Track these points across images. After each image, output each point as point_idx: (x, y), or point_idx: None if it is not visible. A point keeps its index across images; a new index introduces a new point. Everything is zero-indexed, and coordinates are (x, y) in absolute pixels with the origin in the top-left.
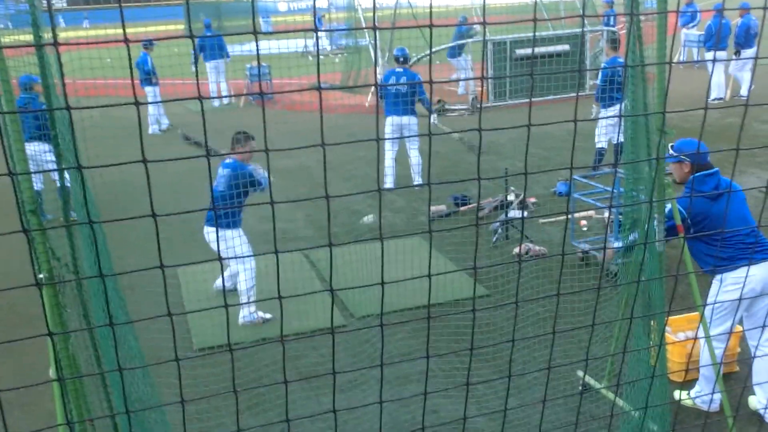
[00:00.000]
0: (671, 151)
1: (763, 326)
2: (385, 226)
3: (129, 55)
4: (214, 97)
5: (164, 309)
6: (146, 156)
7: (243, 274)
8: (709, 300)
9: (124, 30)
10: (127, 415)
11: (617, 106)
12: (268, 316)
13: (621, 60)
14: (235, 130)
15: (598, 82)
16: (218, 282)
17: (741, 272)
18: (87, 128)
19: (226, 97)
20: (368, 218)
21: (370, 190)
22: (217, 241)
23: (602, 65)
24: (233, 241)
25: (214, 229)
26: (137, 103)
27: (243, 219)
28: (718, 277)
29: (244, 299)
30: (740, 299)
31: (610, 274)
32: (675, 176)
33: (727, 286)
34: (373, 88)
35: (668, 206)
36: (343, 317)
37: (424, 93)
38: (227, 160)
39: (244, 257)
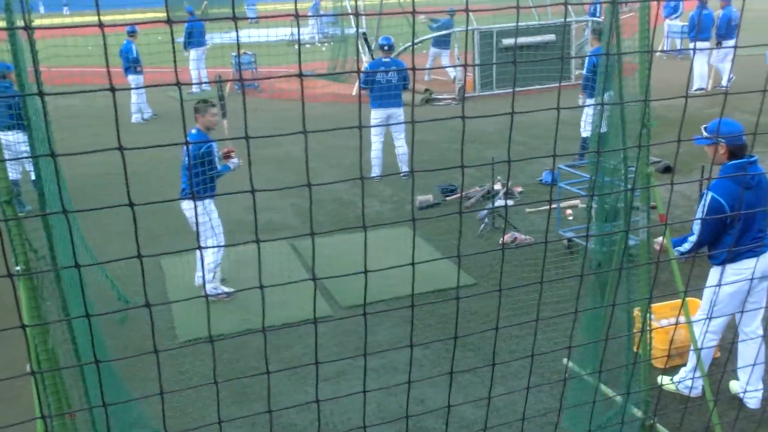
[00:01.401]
0: (704, 133)
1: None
2: (373, 215)
3: (104, 40)
4: (194, 83)
5: (149, 300)
6: (128, 145)
7: (212, 250)
8: (709, 289)
9: (98, 15)
10: (104, 409)
11: (602, 96)
12: (229, 290)
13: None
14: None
15: (584, 71)
16: (198, 276)
17: (744, 264)
18: (67, 117)
19: (206, 83)
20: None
21: (354, 177)
22: (196, 219)
23: (588, 55)
24: (204, 214)
25: (188, 203)
26: (113, 89)
27: (218, 201)
28: (718, 267)
29: (208, 275)
30: (750, 286)
31: (593, 263)
32: (710, 157)
33: (729, 277)
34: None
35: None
36: (330, 307)
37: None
38: (192, 131)
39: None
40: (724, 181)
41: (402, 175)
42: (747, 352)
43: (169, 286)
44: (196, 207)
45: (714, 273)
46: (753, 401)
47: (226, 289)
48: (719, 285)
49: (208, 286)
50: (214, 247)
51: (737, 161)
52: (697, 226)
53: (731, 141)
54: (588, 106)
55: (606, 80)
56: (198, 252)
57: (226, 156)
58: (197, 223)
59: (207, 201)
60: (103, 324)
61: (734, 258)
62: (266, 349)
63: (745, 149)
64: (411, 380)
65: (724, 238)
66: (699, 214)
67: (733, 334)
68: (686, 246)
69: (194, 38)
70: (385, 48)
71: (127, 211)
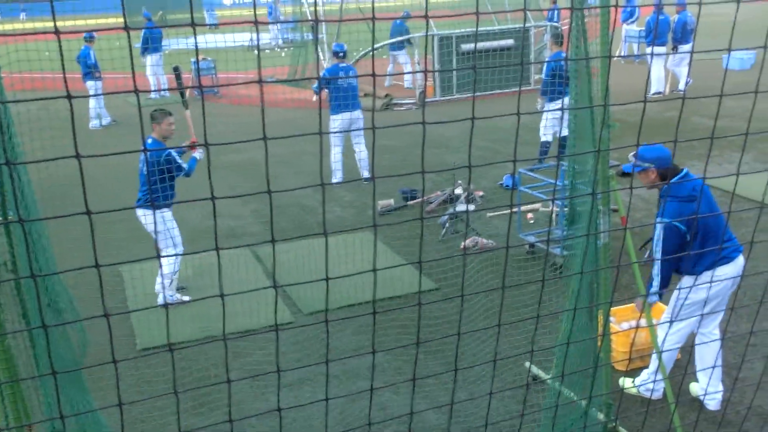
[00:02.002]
0: (635, 160)
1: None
2: (335, 220)
3: (60, 46)
4: (153, 90)
5: (108, 309)
6: (87, 151)
7: (170, 259)
8: (681, 293)
9: (54, 21)
10: (61, 420)
11: (561, 100)
12: (186, 298)
13: (564, 54)
14: (153, 114)
15: (543, 76)
16: (158, 286)
17: (720, 270)
18: (23, 122)
19: (165, 90)
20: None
21: (315, 184)
22: (155, 227)
23: (546, 60)
24: (161, 223)
25: (143, 211)
26: (69, 97)
27: (175, 205)
28: (691, 276)
29: (166, 282)
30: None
31: (555, 266)
32: (643, 183)
33: (702, 283)
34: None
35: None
36: (292, 314)
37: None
38: (148, 140)
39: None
40: (669, 206)
41: (363, 180)
42: (706, 354)
43: (129, 294)
44: (155, 216)
45: (688, 280)
46: (713, 403)
47: (184, 298)
48: (688, 290)
49: (166, 293)
50: (172, 255)
51: (675, 181)
52: (657, 254)
53: (660, 165)
54: (547, 111)
55: (567, 84)
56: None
57: (191, 147)
58: (155, 232)
59: (165, 210)
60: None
61: (710, 266)
62: (227, 356)
63: (675, 170)
64: (373, 387)
65: (695, 253)
66: (656, 246)
67: (692, 336)
68: (655, 283)
69: (151, 44)
70: (340, 55)
71: (86, 218)
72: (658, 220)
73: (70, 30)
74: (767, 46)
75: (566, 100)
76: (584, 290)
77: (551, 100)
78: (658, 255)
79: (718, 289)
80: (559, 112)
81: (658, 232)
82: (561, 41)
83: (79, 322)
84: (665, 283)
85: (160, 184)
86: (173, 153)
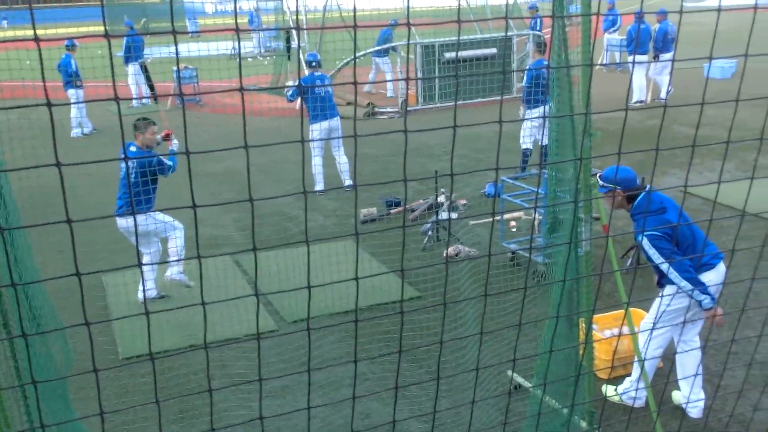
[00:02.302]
0: (600, 182)
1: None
2: (317, 229)
3: (40, 54)
4: (134, 98)
5: (90, 317)
6: (68, 159)
7: (174, 236)
8: (664, 300)
9: (34, 29)
10: (42, 430)
11: (541, 108)
12: (191, 283)
13: (546, 63)
14: (136, 124)
15: (524, 84)
16: (140, 294)
17: (704, 277)
18: (4, 131)
19: (146, 98)
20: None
21: (297, 192)
22: (136, 235)
23: (528, 68)
24: (147, 224)
25: (125, 218)
26: (49, 104)
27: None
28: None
29: (173, 257)
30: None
31: (537, 275)
32: (610, 205)
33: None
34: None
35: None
36: (275, 322)
37: None
38: (131, 149)
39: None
40: (649, 221)
41: (345, 188)
42: (687, 362)
43: (111, 302)
44: (136, 225)
45: (670, 289)
46: (695, 411)
47: (189, 282)
48: (671, 298)
49: (173, 269)
50: (151, 264)
51: (642, 197)
52: (664, 266)
53: (626, 186)
54: (529, 119)
55: (548, 93)
56: (139, 267)
57: (166, 138)
58: (137, 241)
59: (147, 215)
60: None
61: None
62: (209, 365)
63: (642, 188)
64: (356, 395)
65: (688, 261)
66: (657, 259)
67: (673, 345)
68: (691, 289)
69: (133, 53)
70: (313, 64)
71: (67, 227)
72: (641, 238)
73: (50, 38)
74: (748, 55)
75: (547, 108)
76: (565, 298)
77: (531, 107)
78: (665, 266)
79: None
80: (539, 120)
81: (648, 249)
82: (543, 49)
83: (62, 333)
84: (695, 281)
85: (143, 187)
86: (157, 157)
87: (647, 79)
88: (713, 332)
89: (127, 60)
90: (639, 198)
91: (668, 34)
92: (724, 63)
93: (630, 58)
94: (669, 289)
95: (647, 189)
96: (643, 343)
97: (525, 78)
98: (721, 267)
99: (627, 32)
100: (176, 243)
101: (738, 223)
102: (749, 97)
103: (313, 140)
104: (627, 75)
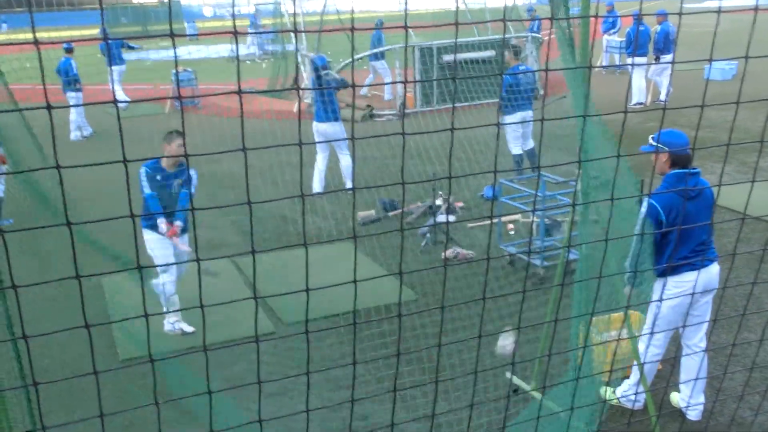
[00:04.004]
0: (651, 141)
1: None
2: (315, 231)
3: (39, 57)
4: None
5: (89, 320)
6: (69, 163)
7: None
8: (653, 302)
9: (33, 32)
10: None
11: (519, 113)
12: (190, 329)
13: (522, 67)
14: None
15: (502, 91)
16: (166, 325)
17: (685, 276)
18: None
19: (139, 101)
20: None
21: (295, 195)
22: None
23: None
24: (150, 244)
25: (151, 235)
26: (49, 107)
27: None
28: (660, 279)
29: (163, 308)
30: (692, 300)
31: (536, 277)
32: (654, 165)
33: (670, 289)
34: (300, 94)
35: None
36: (273, 324)
37: None
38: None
39: (162, 264)
40: (662, 188)
41: (347, 190)
42: (690, 365)
43: (110, 304)
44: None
45: (657, 286)
46: (694, 413)
47: (186, 329)
48: (661, 299)
49: (170, 318)
50: (153, 266)
51: (678, 171)
52: (634, 238)
53: (672, 149)
54: (512, 123)
55: (526, 98)
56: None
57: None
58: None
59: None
60: (54, 341)
61: (675, 270)
62: (208, 367)
63: (689, 160)
64: (354, 397)
65: (664, 249)
66: (638, 221)
67: (677, 347)
68: (627, 262)
69: (116, 56)
70: (324, 68)
71: (65, 228)
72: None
73: (55, 41)
74: (748, 57)
75: (528, 113)
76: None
77: (508, 113)
78: (637, 230)
79: (687, 296)
80: (519, 127)
81: (642, 208)
82: (518, 55)
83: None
84: (633, 257)
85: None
86: (143, 174)
87: (647, 80)
88: (714, 335)
89: (110, 63)
90: (677, 171)
91: (669, 35)
92: (725, 65)
93: (629, 60)
94: (656, 287)
95: (696, 171)
96: (643, 347)
97: (502, 85)
98: (712, 269)
99: (626, 34)
100: (164, 288)
101: (738, 225)
102: (749, 99)
103: (315, 142)
104: (626, 77)
